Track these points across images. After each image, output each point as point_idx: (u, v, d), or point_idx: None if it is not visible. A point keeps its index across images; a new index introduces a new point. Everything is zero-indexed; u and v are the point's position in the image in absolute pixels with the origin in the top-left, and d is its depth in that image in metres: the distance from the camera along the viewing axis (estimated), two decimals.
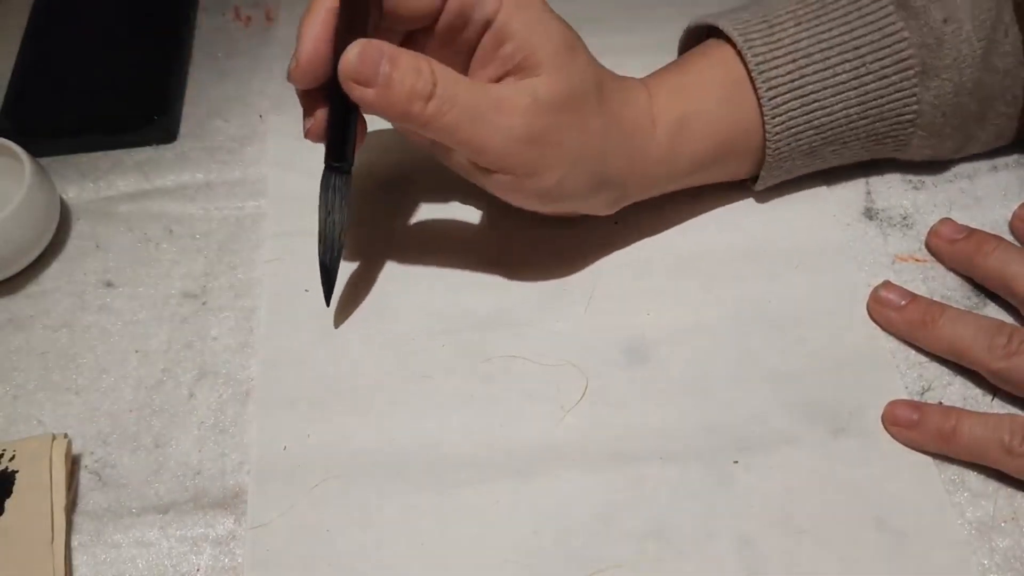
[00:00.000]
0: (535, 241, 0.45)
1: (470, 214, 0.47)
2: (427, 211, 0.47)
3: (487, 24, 0.37)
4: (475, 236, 0.46)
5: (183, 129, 0.51)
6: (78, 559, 0.38)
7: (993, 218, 0.45)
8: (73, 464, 0.40)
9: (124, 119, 0.51)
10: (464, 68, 0.39)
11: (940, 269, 0.44)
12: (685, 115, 0.41)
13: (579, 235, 0.45)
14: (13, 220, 0.43)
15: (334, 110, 0.38)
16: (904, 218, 0.45)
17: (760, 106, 0.41)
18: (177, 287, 0.45)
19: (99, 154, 0.50)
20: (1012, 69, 0.42)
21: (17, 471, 0.38)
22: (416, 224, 0.47)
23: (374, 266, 0.45)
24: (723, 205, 0.46)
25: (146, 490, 0.39)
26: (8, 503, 0.38)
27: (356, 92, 0.35)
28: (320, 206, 0.40)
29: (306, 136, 0.39)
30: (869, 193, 0.46)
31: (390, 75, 0.35)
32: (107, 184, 0.49)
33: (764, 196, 0.46)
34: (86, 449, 0.40)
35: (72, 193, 0.49)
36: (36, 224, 0.44)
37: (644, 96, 0.41)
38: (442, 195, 0.47)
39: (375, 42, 0.35)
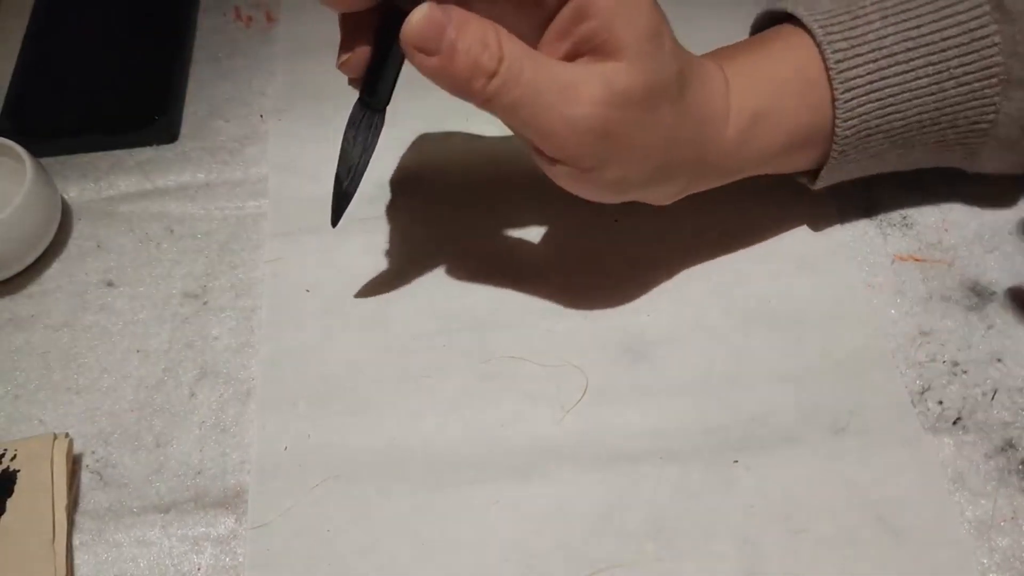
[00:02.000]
0: (535, 241, 0.45)
1: (470, 214, 0.47)
2: (427, 211, 0.47)
3: None
4: (475, 236, 0.46)
5: (184, 129, 0.51)
6: (79, 558, 0.38)
7: (993, 218, 0.45)
8: (74, 463, 0.40)
9: (125, 119, 0.51)
10: (537, 36, 0.35)
11: (940, 268, 0.44)
12: (759, 111, 0.38)
13: (580, 234, 0.45)
14: (14, 220, 0.43)
15: (380, 44, 0.35)
16: (904, 217, 0.45)
17: (834, 107, 0.39)
18: (178, 287, 0.45)
19: (100, 154, 0.50)
20: None
21: (18, 470, 0.38)
22: (416, 224, 0.47)
23: (374, 265, 0.45)
24: (723, 205, 0.46)
25: (147, 489, 0.39)
26: (9, 502, 0.38)
27: (417, 59, 0.32)
28: (351, 142, 0.38)
29: (339, 67, 0.36)
30: (869, 192, 0.46)
31: (455, 44, 0.32)
32: (108, 184, 0.49)
33: (764, 196, 0.46)
34: (87, 448, 0.41)
35: (73, 193, 0.49)
36: (37, 224, 0.45)
37: (722, 84, 0.38)
38: (443, 195, 0.47)
39: (443, 6, 0.32)
